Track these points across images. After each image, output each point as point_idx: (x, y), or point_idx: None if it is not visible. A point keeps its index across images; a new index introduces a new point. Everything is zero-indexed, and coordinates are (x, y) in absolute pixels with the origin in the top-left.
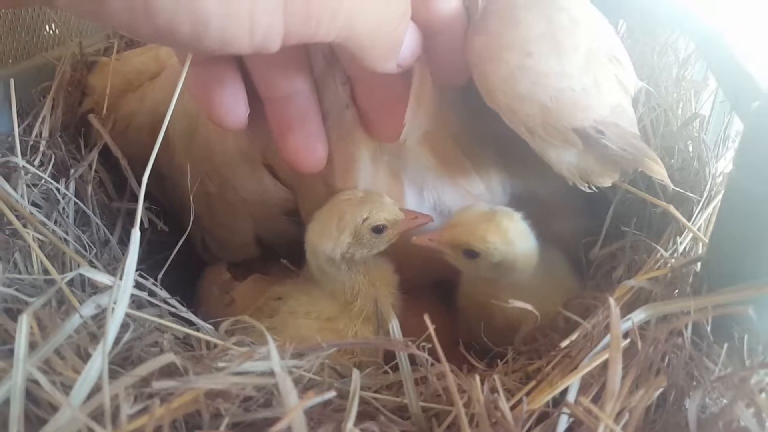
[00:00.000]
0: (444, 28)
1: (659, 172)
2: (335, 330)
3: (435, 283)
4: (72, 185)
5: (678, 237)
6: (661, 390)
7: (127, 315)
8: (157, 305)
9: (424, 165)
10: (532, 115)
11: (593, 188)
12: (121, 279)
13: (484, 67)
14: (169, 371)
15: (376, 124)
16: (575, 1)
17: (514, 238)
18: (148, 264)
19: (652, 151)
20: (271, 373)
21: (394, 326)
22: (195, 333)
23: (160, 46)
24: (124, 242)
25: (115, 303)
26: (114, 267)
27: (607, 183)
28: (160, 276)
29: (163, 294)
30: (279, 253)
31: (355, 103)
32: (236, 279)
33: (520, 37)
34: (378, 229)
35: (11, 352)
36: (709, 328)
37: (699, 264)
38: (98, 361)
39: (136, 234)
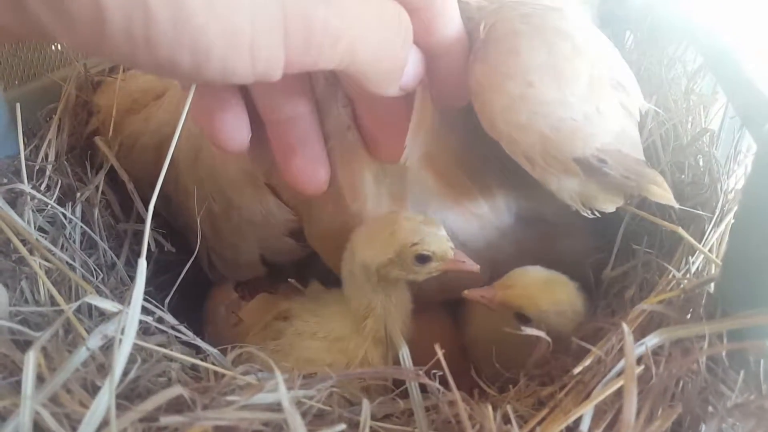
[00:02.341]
0: (445, 52)
1: (663, 196)
2: (344, 350)
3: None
4: (78, 209)
5: (690, 257)
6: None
7: (135, 345)
8: (164, 331)
9: (427, 187)
10: (532, 144)
11: (597, 213)
12: (128, 306)
13: (485, 96)
14: (176, 404)
15: (377, 144)
16: (579, 26)
17: (567, 308)
18: (155, 284)
19: (656, 174)
20: (280, 407)
21: (405, 354)
22: (203, 363)
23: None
24: (131, 264)
25: (122, 335)
26: (121, 291)
27: (610, 208)
28: (167, 301)
29: (171, 320)
30: (285, 272)
31: (356, 125)
32: (243, 298)
33: (521, 67)
34: (422, 258)
35: (18, 384)
36: (724, 353)
37: (713, 284)
38: (105, 397)
39: (142, 264)
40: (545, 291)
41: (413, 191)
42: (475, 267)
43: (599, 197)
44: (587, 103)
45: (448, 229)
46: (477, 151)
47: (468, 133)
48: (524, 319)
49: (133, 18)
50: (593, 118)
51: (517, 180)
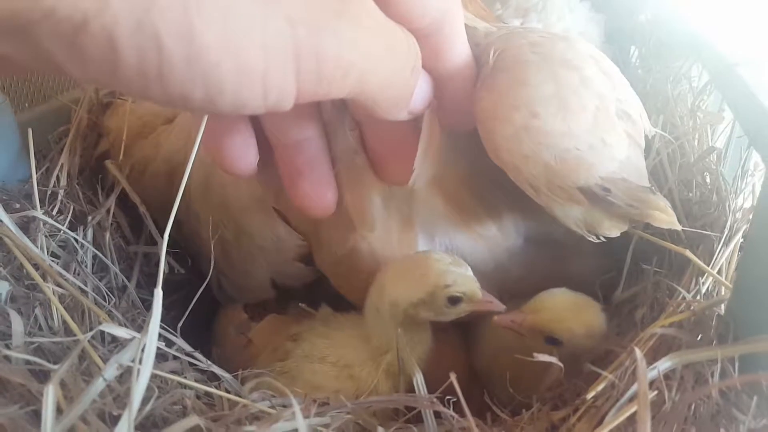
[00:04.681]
0: (453, 77)
1: (667, 221)
2: (353, 377)
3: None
4: (90, 232)
5: (700, 277)
6: None
7: (151, 375)
8: (177, 357)
9: (435, 210)
10: (536, 174)
11: (602, 238)
12: (143, 337)
13: (490, 125)
14: None
15: (385, 168)
16: (587, 57)
17: (595, 331)
18: (165, 304)
19: (659, 200)
20: None
21: (419, 380)
22: (218, 392)
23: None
24: (142, 286)
25: (140, 365)
26: (133, 315)
27: (615, 234)
28: (179, 325)
29: (185, 346)
30: (295, 293)
31: (364, 148)
32: (253, 319)
33: (527, 98)
34: (454, 300)
35: (36, 414)
36: (736, 376)
37: (723, 306)
38: (124, 429)
39: (158, 295)
40: (576, 313)
41: (421, 214)
42: (502, 307)
43: (604, 223)
44: (592, 135)
45: (456, 251)
46: (485, 173)
47: (476, 155)
48: (555, 342)
49: (146, 54)
50: (598, 149)
51: (526, 202)
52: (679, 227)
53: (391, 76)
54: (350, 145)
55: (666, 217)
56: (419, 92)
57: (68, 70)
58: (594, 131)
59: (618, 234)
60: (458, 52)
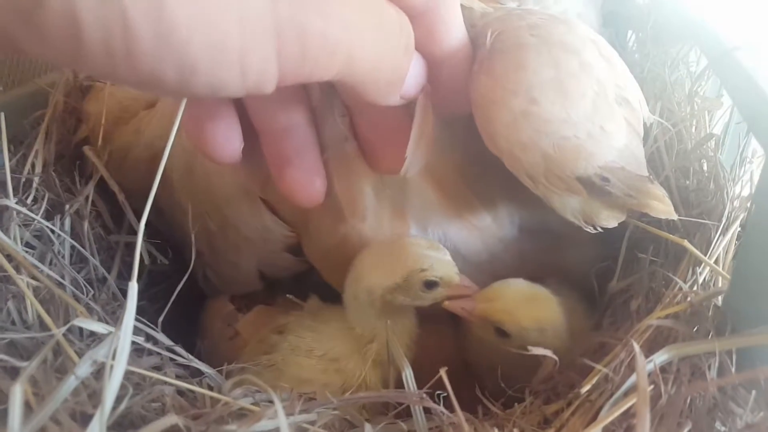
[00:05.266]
0: (448, 59)
1: (665, 211)
2: (341, 371)
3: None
4: (67, 221)
5: (697, 267)
6: None
7: (127, 370)
8: (157, 352)
9: (428, 200)
10: (534, 163)
11: (599, 229)
12: (116, 332)
13: (487, 111)
14: None
15: (377, 156)
16: (587, 40)
17: (548, 326)
18: (148, 296)
19: (657, 189)
20: None
21: (408, 375)
22: (199, 389)
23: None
24: (123, 277)
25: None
26: (113, 308)
27: (613, 224)
28: (160, 320)
29: (165, 340)
30: (284, 285)
31: (354, 135)
32: (240, 311)
33: (526, 83)
34: (430, 284)
35: (5, 413)
36: (733, 369)
37: (720, 297)
38: (96, 430)
39: (133, 288)
40: (527, 307)
41: (414, 204)
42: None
43: (602, 214)
44: (591, 122)
45: (450, 242)
46: (480, 160)
47: (470, 142)
48: (503, 334)
49: (111, 31)
50: (597, 137)
51: (521, 191)
52: (676, 217)
53: (381, 58)
54: (340, 131)
55: (663, 207)
56: (412, 75)
57: (27, 49)
58: (593, 118)
59: (615, 224)
60: (453, 33)
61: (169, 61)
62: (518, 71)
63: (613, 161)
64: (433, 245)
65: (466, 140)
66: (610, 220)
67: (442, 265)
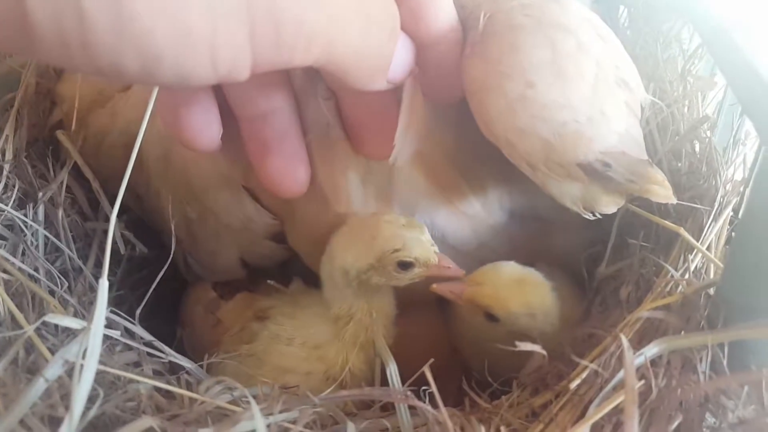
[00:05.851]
0: (436, 42)
1: (665, 195)
2: (323, 359)
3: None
4: (41, 210)
5: (689, 254)
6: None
7: (100, 370)
8: (134, 347)
9: (416, 187)
10: (532, 150)
11: (598, 215)
12: (87, 331)
13: (482, 96)
14: None
15: (364, 142)
16: (583, 20)
17: (538, 311)
18: (129, 284)
19: (657, 173)
20: None
21: (393, 371)
22: (176, 389)
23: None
24: (101, 265)
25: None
26: (90, 299)
27: (612, 210)
28: (138, 312)
29: (142, 333)
30: (267, 272)
31: (340, 120)
32: (222, 297)
33: (522, 65)
34: (405, 265)
35: None
36: (725, 362)
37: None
38: None
39: (104, 285)
40: (516, 291)
41: (401, 191)
42: (460, 272)
43: (602, 200)
44: (591, 105)
45: (437, 230)
46: (470, 145)
47: (462, 127)
48: (492, 318)
49: (64, 22)
50: (597, 121)
51: (512, 176)
52: (675, 201)
53: (364, 42)
54: (324, 116)
55: (664, 192)
56: (398, 59)
57: None
58: (593, 101)
59: (615, 210)
60: (442, 13)
61: (129, 52)
62: (512, 53)
63: (614, 146)
64: (410, 223)
65: (458, 125)
66: (610, 205)
67: (418, 244)
